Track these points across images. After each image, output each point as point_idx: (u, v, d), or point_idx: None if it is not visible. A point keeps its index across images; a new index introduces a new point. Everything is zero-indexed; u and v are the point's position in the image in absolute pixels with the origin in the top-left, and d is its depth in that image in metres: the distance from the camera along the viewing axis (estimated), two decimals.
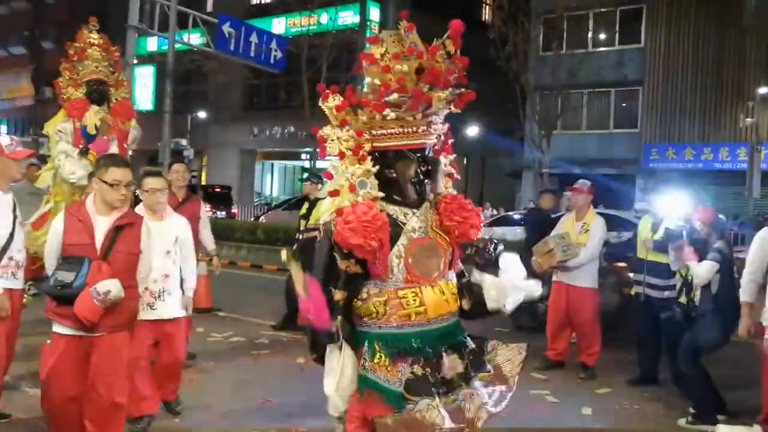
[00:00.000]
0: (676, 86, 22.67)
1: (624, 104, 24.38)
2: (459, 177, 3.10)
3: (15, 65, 40.63)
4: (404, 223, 2.87)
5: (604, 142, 23.78)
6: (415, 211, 2.91)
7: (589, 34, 22.31)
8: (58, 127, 6.01)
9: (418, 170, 2.92)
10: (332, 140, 2.91)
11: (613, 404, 5.77)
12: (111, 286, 3.51)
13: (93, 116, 5.95)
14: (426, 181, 2.96)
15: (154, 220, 4.48)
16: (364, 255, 2.79)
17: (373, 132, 2.86)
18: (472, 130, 26.50)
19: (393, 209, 2.88)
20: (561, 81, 14.41)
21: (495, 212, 20.80)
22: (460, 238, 2.92)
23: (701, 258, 5.28)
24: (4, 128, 42.74)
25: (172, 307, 4.60)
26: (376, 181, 2.88)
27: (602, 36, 22.99)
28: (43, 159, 13.95)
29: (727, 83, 21.80)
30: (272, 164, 33.55)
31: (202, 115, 29.76)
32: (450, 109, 2.90)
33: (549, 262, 6.48)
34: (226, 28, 14.91)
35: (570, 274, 6.55)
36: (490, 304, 3.00)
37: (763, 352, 4.70)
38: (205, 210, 6.56)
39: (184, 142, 27.96)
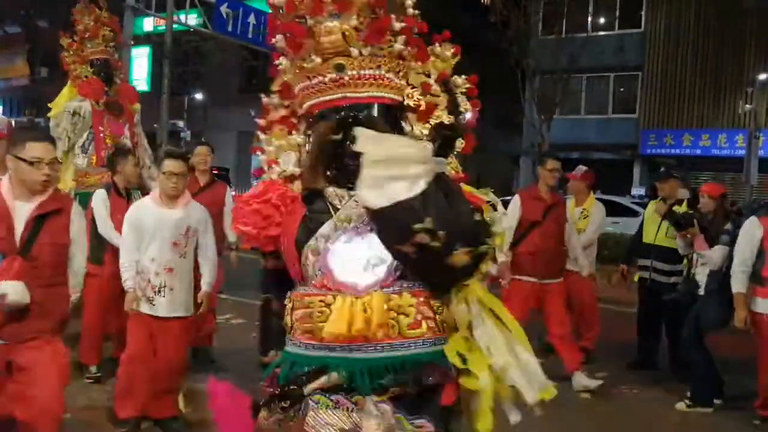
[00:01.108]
0: (675, 72, 22.60)
1: (623, 89, 24.32)
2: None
3: (10, 44, 40.22)
4: (338, 209, 2.11)
5: (603, 127, 23.76)
6: (353, 193, 2.05)
7: (589, 18, 22.22)
8: (73, 107, 5.72)
9: (344, 138, 2.05)
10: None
11: (612, 388, 5.82)
12: (8, 289, 2.94)
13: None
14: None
15: (166, 207, 4.20)
16: (259, 245, 2.22)
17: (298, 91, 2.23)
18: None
19: (330, 191, 2.14)
20: (561, 65, 14.33)
21: None
22: None
23: (712, 243, 5.28)
24: None
25: (171, 305, 4.17)
26: (295, 156, 2.25)
27: (602, 20, 22.89)
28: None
29: (726, 69, 21.73)
30: None
31: (199, 96, 29.59)
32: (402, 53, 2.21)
33: None
34: (224, 9, 14.74)
35: (569, 259, 6.57)
36: None
37: (758, 338, 4.75)
38: (231, 196, 5.90)
39: (181, 123, 27.83)
